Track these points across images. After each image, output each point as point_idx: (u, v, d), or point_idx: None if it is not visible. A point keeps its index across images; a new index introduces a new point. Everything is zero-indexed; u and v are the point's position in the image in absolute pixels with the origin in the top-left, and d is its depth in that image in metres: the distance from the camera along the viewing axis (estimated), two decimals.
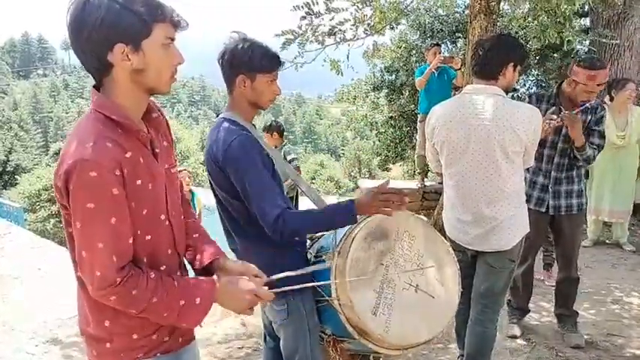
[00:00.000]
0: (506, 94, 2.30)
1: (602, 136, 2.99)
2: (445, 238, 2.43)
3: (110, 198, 1.10)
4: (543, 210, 3.06)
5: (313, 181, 29.84)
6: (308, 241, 2.08)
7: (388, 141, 9.69)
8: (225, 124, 1.74)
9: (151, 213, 1.25)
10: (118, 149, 1.13)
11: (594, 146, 2.94)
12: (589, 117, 2.97)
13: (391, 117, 9.40)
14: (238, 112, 1.80)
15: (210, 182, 1.83)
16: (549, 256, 4.35)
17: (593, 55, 5.65)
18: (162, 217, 1.30)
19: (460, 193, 2.35)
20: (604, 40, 4.99)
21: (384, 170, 11.15)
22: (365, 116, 9.81)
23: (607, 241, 5.43)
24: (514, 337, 3.33)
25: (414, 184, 7.76)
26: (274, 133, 5.82)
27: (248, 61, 1.71)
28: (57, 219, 16.82)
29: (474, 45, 2.50)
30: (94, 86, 1.20)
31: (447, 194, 2.47)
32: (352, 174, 31.14)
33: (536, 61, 7.66)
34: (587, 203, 3.16)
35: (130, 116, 1.18)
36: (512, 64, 2.26)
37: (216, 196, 1.84)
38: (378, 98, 9.39)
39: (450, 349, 3.18)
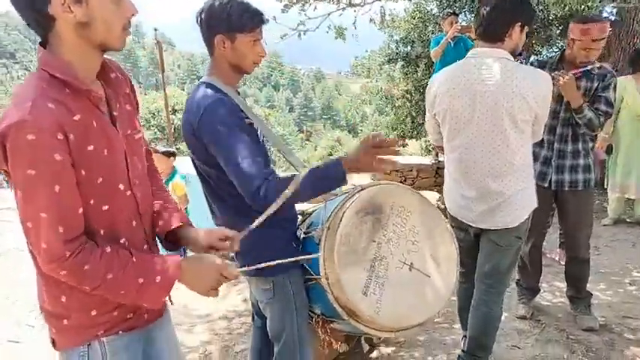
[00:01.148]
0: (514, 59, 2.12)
1: (608, 103, 2.74)
2: (446, 216, 2.30)
3: (52, 164, 1.00)
4: (546, 185, 2.89)
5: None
6: (299, 217, 1.98)
7: (404, 115, 9.46)
8: (203, 89, 1.62)
9: (108, 182, 1.16)
10: (62, 111, 1.03)
11: (600, 112, 2.70)
12: (595, 84, 2.75)
13: (407, 90, 9.14)
14: (219, 76, 1.67)
15: (190, 153, 1.73)
16: (562, 234, 4.18)
17: (618, 20, 5.32)
18: (122, 186, 1.20)
19: (464, 167, 2.20)
20: (630, 5, 4.66)
21: (400, 146, 10.91)
22: (380, 89, 9.57)
23: (628, 220, 5.21)
24: (523, 317, 3.21)
25: (428, 160, 7.59)
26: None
27: (226, 20, 1.57)
28: None
29: (477, 5, 2.29)
30: (40, 43, 1.09)
31: (449, 169, 2.32)
32: None
33: (559, 31, 7.28)
34: (601, 179, 2.93)
35: (78, 75, 1.08)
36: (518, 24, 2.07)
37: (196, 167, 1.74)
38: (393, 71, 9.12)
39: (455, 330, 3.08)
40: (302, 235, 1.85)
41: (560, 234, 4.17)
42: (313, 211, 2.00)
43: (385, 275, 1.63)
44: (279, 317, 1.78)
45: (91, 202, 1.13)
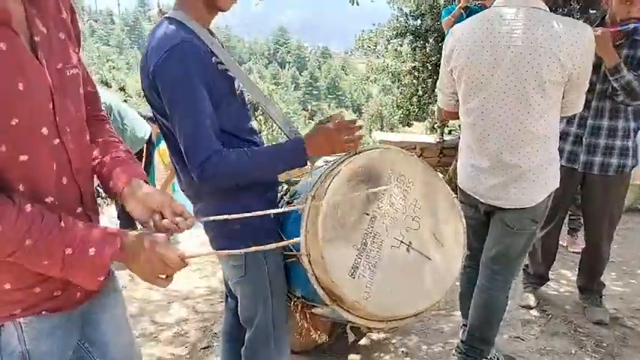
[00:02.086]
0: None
1: None
2: (456, 191, 2.03)
3: None
4: (575, 166, 2.60)
5: None
6: (284, 186, 1.72)
7: (410, 94, 9.13)
8: (166, 26, 1.34)
9: (25, 125, 0.91)
10: None
11: None
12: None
13: (414, 67, 8.79)
14: (188, 10, 1.38)
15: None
16: (576, 220, 3.92)
17: None
18: (46, 131, 0.95)
19: (478, 134, 1.92)
20: None
21: (405, 125, 10.58)
22: (386, 66, 9.20)
23: None
24: (528, 307, 2.97)
25: (432, 138, 7.29)
26: None
27: None
28: None
29: None
30: None
31: (464, 136, 2.04)
32: (374, 131, 30.43)
33: None
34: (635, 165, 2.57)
35: None
36: None
37: (158, 122, 1.47)
38: (400, 45, 8.74)
39: (454, 317, 2.84)
40: (284, 206, 1.59)
41: (570, 219, 3.91)
42: (299, 180, 1.74)
43: (378, 255, 1.37)
44: (252, 299, 1.54)
45: (3, 148, 0.88)
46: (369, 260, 1.36)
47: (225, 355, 1.85)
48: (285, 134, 1.54)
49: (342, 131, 1.40)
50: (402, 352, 2.55)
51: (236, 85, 1.47)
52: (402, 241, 1.41)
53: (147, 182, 1.16)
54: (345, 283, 1.32)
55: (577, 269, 3.51)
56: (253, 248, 1.29)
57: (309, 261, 1.37)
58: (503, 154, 1.86)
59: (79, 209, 1.07)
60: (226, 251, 1.37)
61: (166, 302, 3.19)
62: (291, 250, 1.48)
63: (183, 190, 1.54)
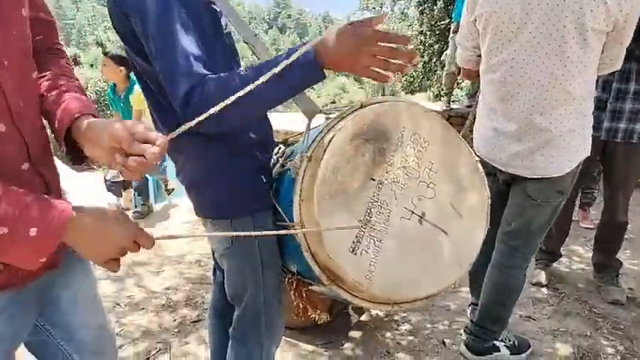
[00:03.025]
0: None
1: None
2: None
3: None
4: (599, 134, 2.36)
5: (333, 105, 28.83)
6: (281, 147, 1.49)
7: (416, 60, 8.79)
8: None
9: None
10: None
11: None
12: None
13: (421, 32, 8.42)
14: None
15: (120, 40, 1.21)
16: (589, 194, 3.71)
17: None
18: None
19: (505, 92, 1.67)
20: None
21: (408, 93, 10.26)
22: (391, 29, 8.82)
23: None
24: (539, 285, 2.79)
25: (438, 106, 7.00)
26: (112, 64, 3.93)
27: None
28: None
29: None
30: None
31: (485, 96, 1.79)
32: None
33: None
34: None
35: None
36: None
37: (132, 64, 1.23)
38: (407, 8, 8.35)
39: (461, 294, 2.66)
40: (278, 170, 1.37)
41: (583, 192, 3.70)
42: (296, 142, 1.51)
43: (385, 228, 1.15)
44: (239, 274, 1.33)
45: None
46: (374, 234, 1.14)
47: (214, 333, 1.66)
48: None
49: (376, 40, 0.95)
50: (406, 330, 2.38)
51: (223, 23, 1.22)
52: (413, 212, 1.19)
53: (94, 115, 0.93)
54: (344, 260, 1.11)
55: (590, 245, 3.35)
56: (242, 233, 1.07)
57: (304, 234, 1.16)
58: (533, 116, 1.62)
59: (26, 165, 0.86)
60: (209, 233, 1.15)
61: (156, 267, 3.01)
62: (284, 220, 1.26)
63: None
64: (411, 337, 2.31)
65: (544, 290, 2.76)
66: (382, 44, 0.98)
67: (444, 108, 6.62)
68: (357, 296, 1.18)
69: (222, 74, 1.03)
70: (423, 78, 9.15)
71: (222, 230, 1.28)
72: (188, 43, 1.05)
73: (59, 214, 0.77)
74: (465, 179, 1.26)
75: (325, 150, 1.13)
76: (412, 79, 9.38)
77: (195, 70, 1.03)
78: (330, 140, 1.13)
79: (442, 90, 7.15)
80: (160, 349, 2.21)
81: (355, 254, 1.12)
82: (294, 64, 0.95)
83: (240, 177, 1.25)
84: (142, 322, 2.43)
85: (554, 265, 2.98)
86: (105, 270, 0.86)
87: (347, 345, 2.25)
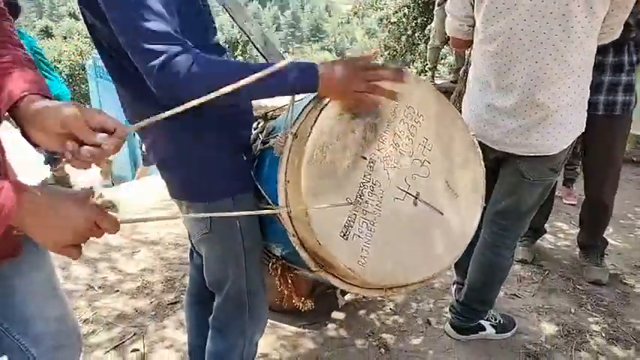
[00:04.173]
0: None
1: None
2: None
3: None
4: None
5: None
6: (261, 122, 1.39)
7: (399, 33, 8.62)
8: None
9: None
10: None
11: None
12: None
13: (404, 5, 8.24)
14: None
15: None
16: (572, 170, 3.70)
17: None
18: None
19: (502, 64, 1.58)
20: None
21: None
22: (375, 1, 8.63)
23: (634, 159, 4.77)
24: (524, 262, 2.78)
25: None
26: None
27: None
28: None
29: None
30: None
31: (477, 69, 1.69)
32: None
33: None
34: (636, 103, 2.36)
35: None
36: None
37: (93, 36, 1.09)
38: None
39: (446, 273, 2.62)
40: (259, 147, 1.26)
41: (567, 169, 3.69)
42: (277, 116, 1.40)
43: (377, 210, 1.07)
44: (220, 260, 1.24)
45: None
46: (366, 217, 1.06)
47: (192, 320, 1.57)
48: (263, 56, 1.17)
49: (366, 72, 1.01)
50: (390, 309, 2.34)
51: None
52: (407, 192, 1.10)
53: (49, 97, 0.81)
54: (335, 245, 1.02)
55: (574, 222, 3.35)
56: (220, 214, 0.97)
57: (290, 217, 1.06)
58: (532, 91, 1.54)
59: None
60: (183, 215, 1.05)
61: (131, 248, 2.89)
62: (268, 203, 1.16)
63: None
64: (395, 317, 2.27)
65: (528, 267, 2.74)
66: (369, 73, 1.01)
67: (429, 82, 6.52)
68: (348, 282, 1.11)
69: (210, 58, 0.95)
70: (406, 52, 9.00)
71: (199, 212, 1.18)
72: (156, 7, 0.92)
73: (9, 198, 0.66)
74: (460, 156, 1.18)
75: (312, 126, 1.03)
76: (395, 53, 9.22)
77: (168, 40, 0.92)
78: (318, 116, 1.03)
79: (426, 65, 7.06)
80: (135, 334, 2.12)
81: (347, 239, 1.04)
82: (294, 69, 0.98)
83: (217, 155, 1.14)
84: (116, 305, 2.32)
85: (539, 241, 2.97)
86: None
87: (330, 326, 2.20)
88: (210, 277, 1.28)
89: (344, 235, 1.03)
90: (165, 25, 0.93)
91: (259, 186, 1.20)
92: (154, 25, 0.91)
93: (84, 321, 2.19)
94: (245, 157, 1.20)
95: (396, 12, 8.20)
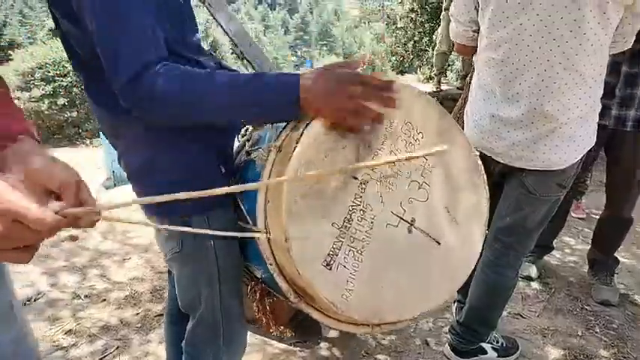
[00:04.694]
0: None
1: None
2: None
3: None
4: (606, 122, 2.18)
5: None
6: (249, 129, 1.28)
7: (406, 39, 8.51)
8: None
9: None
10: None
11: None
12: None
13: (412, 9, 8.13)
14: None
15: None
16: (582, 183, 3.56)
17: None
18: None
19: (508, 72, 1.47)
20: None
21: (398, 74, 10.00)
22: (382, 6, 8.53)
23: None
24: (529, 279, 2.66)
25: (428, 87, 6.79)
26: None
27: None
28: (51, 99, 15.97)
29: None
30: None
31: (482, 78, 1.59)
32: None
33: None
34: None
35: None
36: None
37: (59, 25, 0.99)
38: None
39: None
40: (243, 159, 1.16)
41: (575, 182, 3.56)
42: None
43: (367, 237, 0.96)
44: (192, 283, 1.13)
45: None
46: (354, 244, 0.94)
47: (169, 341, 1.47)
48: (245, 59, 1.07)
49: (355, 84, 0.88)
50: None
51: None
52: (402, 218, 0.99)
53: (37, 140, 0.72)
54: (317, 276, 0.91)
55: (582, 237, 3.22)
56: (191, 230, 0.86)
57: (269, 240, 0.96)
58: (539, 101, 1.43)
59: None
60: (158, 225, 0.94)
61: (122, 255, 2.80)
62: (247, 222, 1.06)
63: (113, 146, 1.10)
64: (392, 337, 2.16)
65: (534, 285, 2.62)
66: (357, 85, 0.88)
67: (434, 89, 6.42)
68: (331, 317, 1.00)
69: (181, 66, 0.85)
70: (413, 58, 8.89)
71: (168, 230, 1.07)
72: (139, 14, 0.84)
73: None
74: (462, 178, 1.07)
75: (298, 140, 0.92)
76: (402, 58, 9.12)
77: (145, 52, 0.84)
78: (305, 128, 0.93)
79: (433, 71, 6.95)
80: (118, 347, 2.02)
81: (330, 269, 0.92)
82: (268, 86, 0.89)
83: (191, 165, 1.04)
84: (102, 316, 2.23)
85: (545, 257, 2.84)
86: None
87: (323, 344, 2.09)
88: (183, 298, 1.18)
89: (327, 264, 0.92)
90: (148, 39, 0.85)
91: (239, 201, 1.10)
92: (130, 39, 0.82)
93: (66, 332, 2.10)
94: (224, 169, 1.09)
95: (404, 17, 8.08)
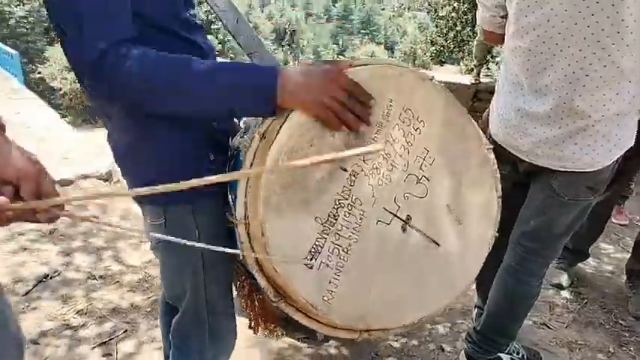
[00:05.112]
0: None
1: None
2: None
3: None
4: None
5: None
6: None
7: (447, 28, 8.22)
8: None
9: None
10: None
11: None
12: None
13: None
14: None
15: None
16: (627, 187, 3.31)
17: None
18: None
19: (535, 63, 1.32)
20: None
21: (437, 64, 9.69)
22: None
23: None
24: (559, 287, 2.48)
25: (467, 79, 6.53)
26: None
27: None
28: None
29: None
30: None
31: (509, 68, 1.44)
32: None
33: None
34: None
35: None
36: None
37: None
38: None
39: (469, 293, 2.37)
40: (235, 146, 1.09)
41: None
42: None
43: (354, 234, 0.87)
44: (175, 273, 1.08)
45: None
46: (339, 242, 0.86)
47: (163, 331, 1.43)
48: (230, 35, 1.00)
49: (335, 84, 0.82)
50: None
51: None
52: (395, 215, 0.89)
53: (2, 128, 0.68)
54: (295, 274, 0.83)
55: (622, 244, 2.99)
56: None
57: (248, 234, 0.88)
58: (570, 95, 1.28)
59: None
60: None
61: (138, 238, 2.81)
62: (232, 213, 0.98)
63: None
64: (405, 340, 2.06)
65: (564, 293, 2.44)
66: (344, 91, 0.82)
67: (473, 81, 6.16)
68: (313, 319, 0.91)
69: (150, 50, 0.80)
70: (453, 48, 8.59)
71: (155, 216, 1.02)
72: None
73: None
74: (469, 173, 0.95)
75: (281, 126, 0.84)
76: (442, 48, 8.83)
77: (109, 31, 0.78)
78: (290, 113, 0.84)
79: (473, 62, 6.67)
80: (126, 330, 2.01)
81: (311, 268, 0.84)
82: (246, 77, 0.84)
83: (178, 151, 0.97)
84: (112, 297, 2.23)
85: (579, 265, 2.65)
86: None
87: (331, 342, 2.01)
88: (168, 289, 1.12)
89: (308, 262, 0.84)
90: (113, 15, 0.78)
91: (228, 191, 1.03)
92: (95, 20, 0.76)
93: (77, 312, 2.11)
94: (213, 157, 1.02)
95: (445, 5, 7.81)
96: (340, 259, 0.85)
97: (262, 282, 0.89)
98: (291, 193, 0.83)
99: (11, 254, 2.45)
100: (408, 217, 0.90)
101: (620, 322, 2.24)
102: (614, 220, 3.33)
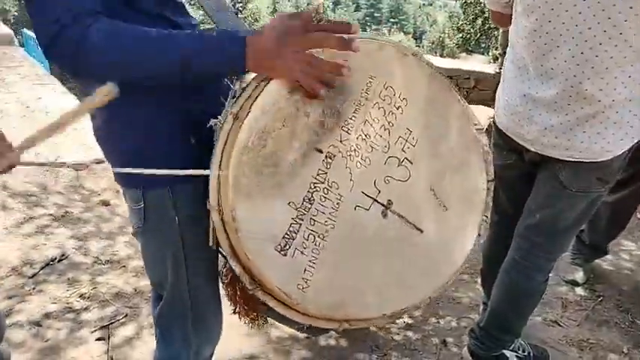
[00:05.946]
0: None
1: None
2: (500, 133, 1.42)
3: None
4: None
5: None
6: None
7: (474, 14, 8.01)
8: None
9: None
10: None
11: None
12: None
13: None
14: None
15: None
16: None
17: None
18: None
19: (541, 44, 1.24)
20: None
21: (463, 52, 9.46)
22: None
23: None
24: (574, 283, 2.37)
25: (491, 68, 6.35)
26: None
27: None
28: None
29: None
30: None
31: (514, 50, 1.36)
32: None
33: None
34: None
35: None
36: None
37: None
38: None
39: (476, 285, 2.30)
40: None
41: None
42: None
43: (330, 220, 0.82)
44: (156, 260, 1.05)
45: None
46: (314, 228, 0.82)
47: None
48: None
49: (303, 31, 0.76)
50: (404, 322, 2.07)
51: None
52: (375, 199, 0.85)
53: None
54: (268, 261, 0.80)
55: None
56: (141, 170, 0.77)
57: (222, 219, 0.85)
58: (578, 78, 1.19)
59: None
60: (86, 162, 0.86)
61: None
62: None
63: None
64: (408, 333, 2.01)
65: (578, 290, 2.34)
66: (309, 41, 0.76)
67: (497, 70, 5.98)
68: (290, 308, 0.88)
69: (111, 22, 0.77)
70: (480, 36, 8.37)
71: (135, 199, 0.99)
72: None
73: None
74: (455, 155, 0.90)
75: (252, 104, 0.80)
76: (469, 36, 8.60)
77: (67, 5, 0.74)
78: (262, 90, 0.80)
79: (498, 51, 6.49)
80: (127, 315, 2.02)
81: (285, 255, 0.81)
82: (210, 42, 0.80)
83: (155, 132, 0.94)
84: (117, 282, 2.25)
85: (597, 260, 2.54)
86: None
87: (332, 332, 1.98)
88: (150, 275, 1.11)
89: (281, 249, 0.80)
90: None
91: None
92: None
93: (81, 295, 2.13)
94: (193, 139, 0.99)
95: None
96: (316, 245, 0.81)
97: (237, 269, 0.86)
98: (262, 176, 0.79)
99: (24, 237, 2.49)
100: (389, 202, 0.85)
101: (637, 321, 2.13)
102: (638, 216, 3.19)
